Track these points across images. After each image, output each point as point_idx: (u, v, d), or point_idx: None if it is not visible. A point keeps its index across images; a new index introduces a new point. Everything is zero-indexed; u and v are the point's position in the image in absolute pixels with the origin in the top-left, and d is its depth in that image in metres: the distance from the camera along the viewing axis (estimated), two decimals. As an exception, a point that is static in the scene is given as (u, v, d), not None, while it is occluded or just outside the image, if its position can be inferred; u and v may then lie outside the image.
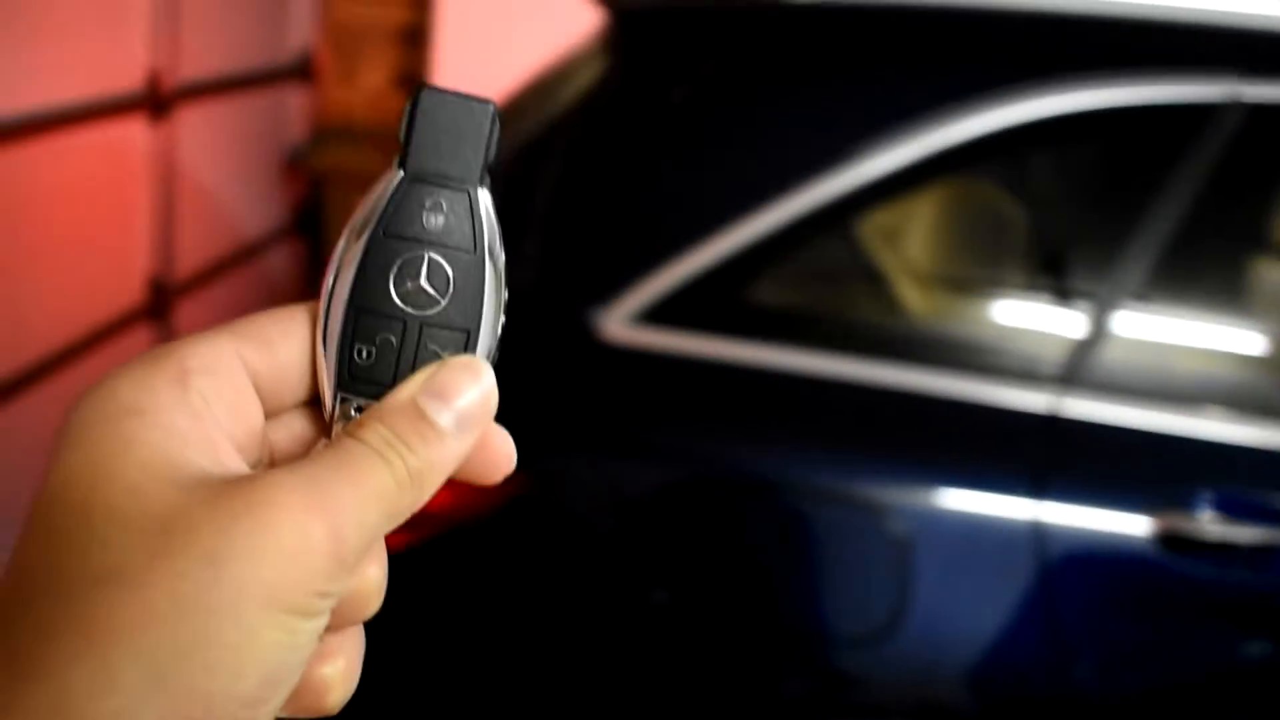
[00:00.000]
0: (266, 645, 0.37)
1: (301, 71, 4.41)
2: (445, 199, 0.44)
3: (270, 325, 0.44)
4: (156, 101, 3.22)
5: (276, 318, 0.44)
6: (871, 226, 1.73)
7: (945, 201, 1.83)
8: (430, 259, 0.44)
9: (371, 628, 0.44)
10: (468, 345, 0.45)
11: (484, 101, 0.45)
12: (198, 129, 3.54)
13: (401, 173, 0.44)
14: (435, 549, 1.54)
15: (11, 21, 2.56)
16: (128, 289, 3.27)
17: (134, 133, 3.18)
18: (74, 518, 0.38)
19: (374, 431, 0.41)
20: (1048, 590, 1.49)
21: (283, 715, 0.41)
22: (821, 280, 1.71)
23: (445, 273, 0.44)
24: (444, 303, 0.44)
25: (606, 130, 1.67)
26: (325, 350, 0.44)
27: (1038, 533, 1.49)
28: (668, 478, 1.56)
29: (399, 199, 0.44)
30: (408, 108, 0.45)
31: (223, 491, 0.38)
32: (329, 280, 0.44)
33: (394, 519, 0.41)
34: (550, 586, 1.57)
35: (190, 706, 0.36)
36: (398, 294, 0.44)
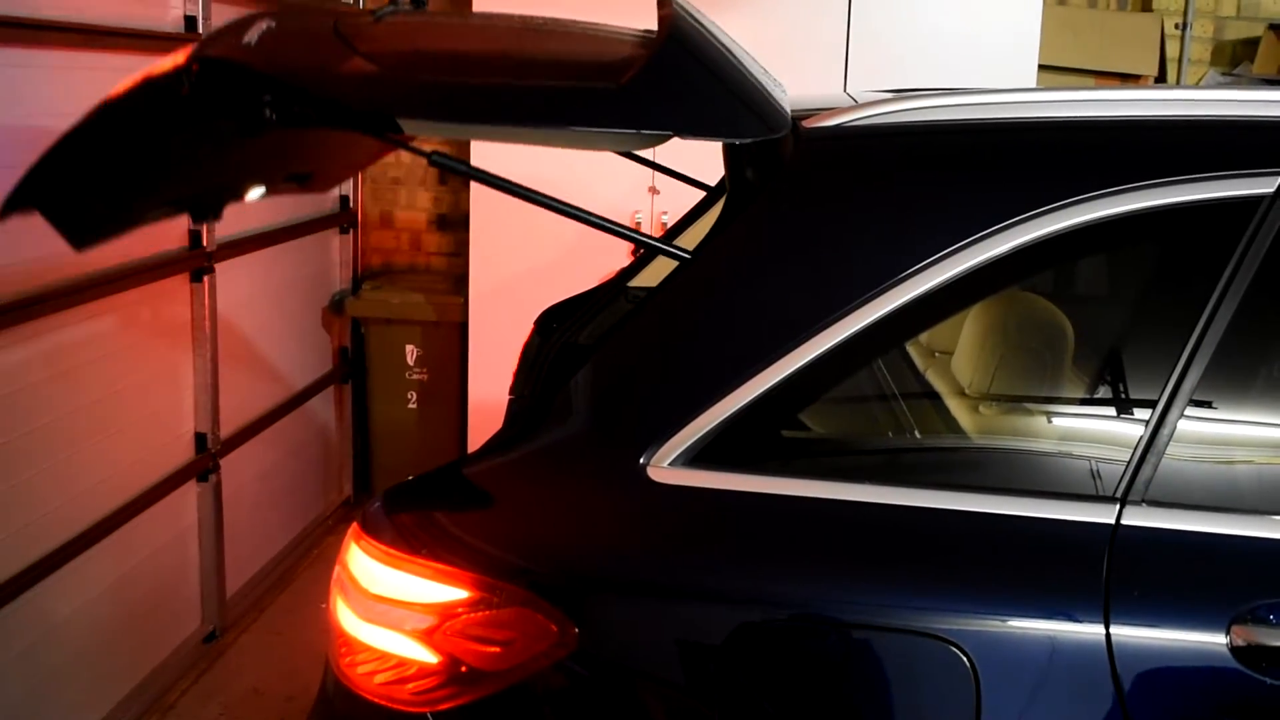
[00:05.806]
0: None
1: (342, 218, 4.49)
2: None
3: None
4: (199, 260, 3.28)
5: None
6: (919, 347, 1.71)
7: (993, 317, 1.81)
8: None
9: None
10: None
11: None
12: (242, 282, 3.60)
13: None
14: (493, 709, 1.49)
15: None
16: (176, 449, 3.29)
17: (178, 291, 3.23)
18: None
19: None
20: (1125, 713, 1.43)
21: None
22: (870, 407, 1.68)
23: None
24: None
25: (645, 278, 1.67)
26: None
27: (1110, 653, 1.44)
28: (726, 621, 1.52)
29: None
30: None
31: None
32: None
33: None
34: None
35: None
36: None
